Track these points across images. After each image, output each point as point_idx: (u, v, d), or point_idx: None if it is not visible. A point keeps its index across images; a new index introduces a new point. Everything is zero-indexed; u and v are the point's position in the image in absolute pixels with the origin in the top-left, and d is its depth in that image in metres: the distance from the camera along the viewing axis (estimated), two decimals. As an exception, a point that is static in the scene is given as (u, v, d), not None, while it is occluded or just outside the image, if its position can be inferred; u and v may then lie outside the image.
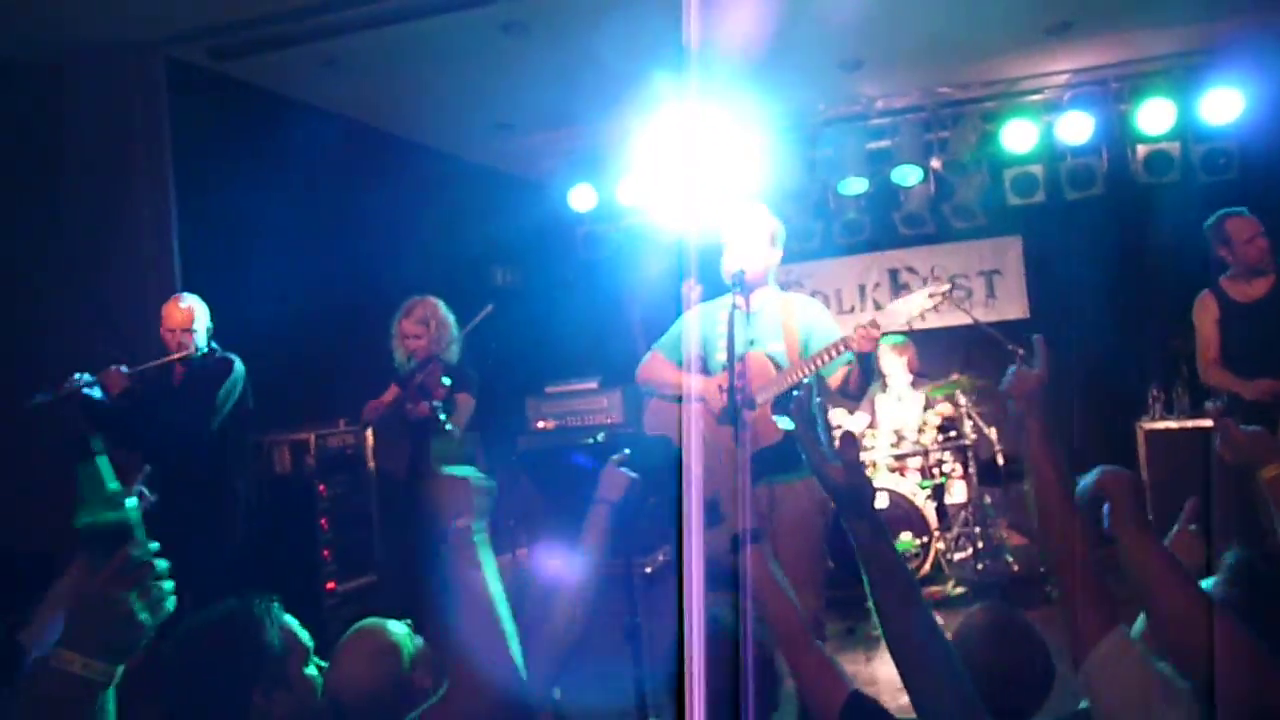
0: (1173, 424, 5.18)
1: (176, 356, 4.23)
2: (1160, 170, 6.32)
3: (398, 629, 2.25)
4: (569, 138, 7.06)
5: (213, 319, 4.48)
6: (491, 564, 2.00)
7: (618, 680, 3.02)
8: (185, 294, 4.36)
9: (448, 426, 4.25)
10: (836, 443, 1.68)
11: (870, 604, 1.70)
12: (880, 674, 4.47)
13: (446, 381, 4.33)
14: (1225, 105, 6.01)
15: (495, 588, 1.95)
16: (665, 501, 2.95)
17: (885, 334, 3.30)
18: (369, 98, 5.90)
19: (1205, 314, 4.36)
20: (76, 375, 4.00)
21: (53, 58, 5.06)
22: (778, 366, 3.44)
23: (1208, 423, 5.04)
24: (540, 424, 6.73)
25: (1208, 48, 6.10)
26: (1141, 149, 6.34)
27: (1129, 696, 1.64)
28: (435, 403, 4.22)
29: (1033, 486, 1.82)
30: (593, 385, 6.77)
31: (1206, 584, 1.80)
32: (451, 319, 4.60)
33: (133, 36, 4.92)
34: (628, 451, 2.37)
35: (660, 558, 6.51)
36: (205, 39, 5.12)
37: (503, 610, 1.94)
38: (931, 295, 3.32)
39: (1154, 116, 6.16)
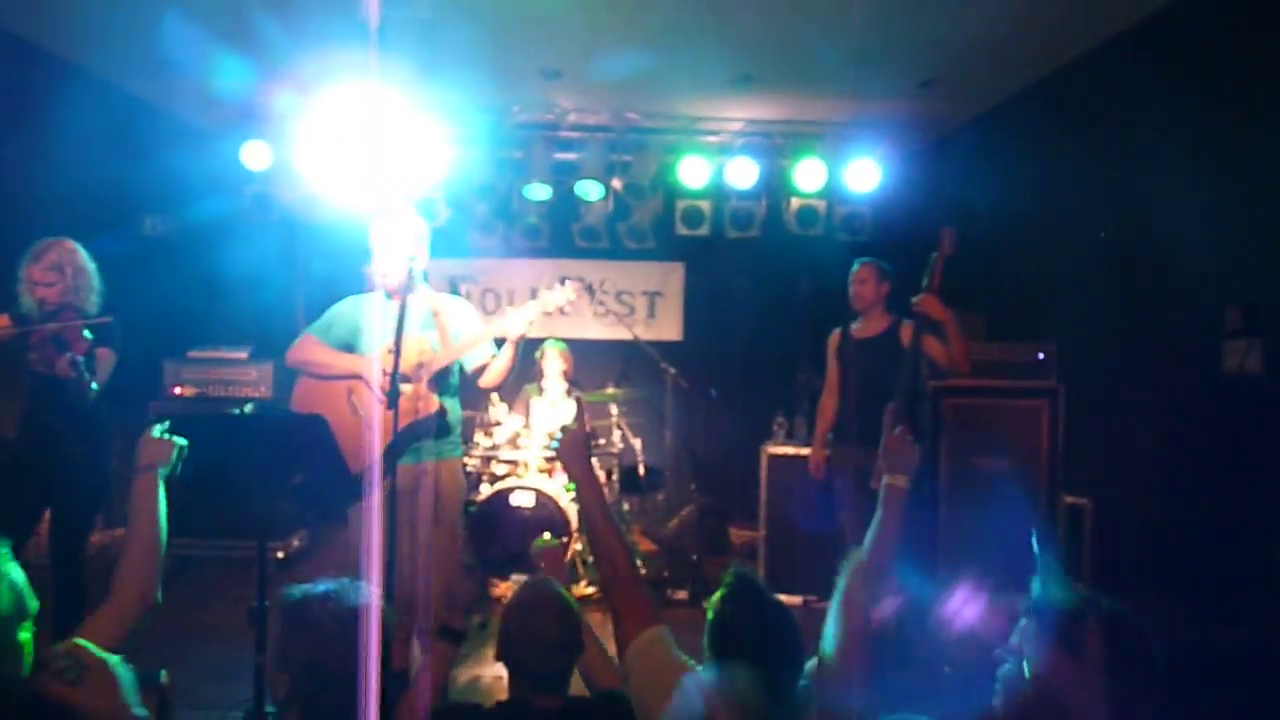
0: (790, 449, 5.76)
1: None
2: (808, 223, 7.03)
3: None
4: (246, 89, 6.61)
5: None
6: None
7: (236, 665, 2.87)
8: None
9: (93, 386, 3.85)
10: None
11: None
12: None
13: (88, 335, 3.91)
14: (865, 175, 6.81)
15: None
16: (311, 481, 2.87)
17: (534, 327, 3.73)
18: (20, 4, 5.19)
19: (831, 347, 4.98)
20: None
21: None
22: (434, 351, 3.70)
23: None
24: (178, 389, 6.23)
25: (858, 121, 6.88)
26: (795, 201, 7.02)
27: (653, 676, 2.15)
28: (78, 357, 3.80)
29: (584, 519, 2.41)
30: (242, 355, 6.38)
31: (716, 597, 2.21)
32: (92, 266, 4.15)
33: None
34: (168, 423, 2.47)
35: (296, 542, 6.26)
36: None
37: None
38: (579, 287, 3.74)
39: (808, 174, 6.84)
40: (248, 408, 5.04)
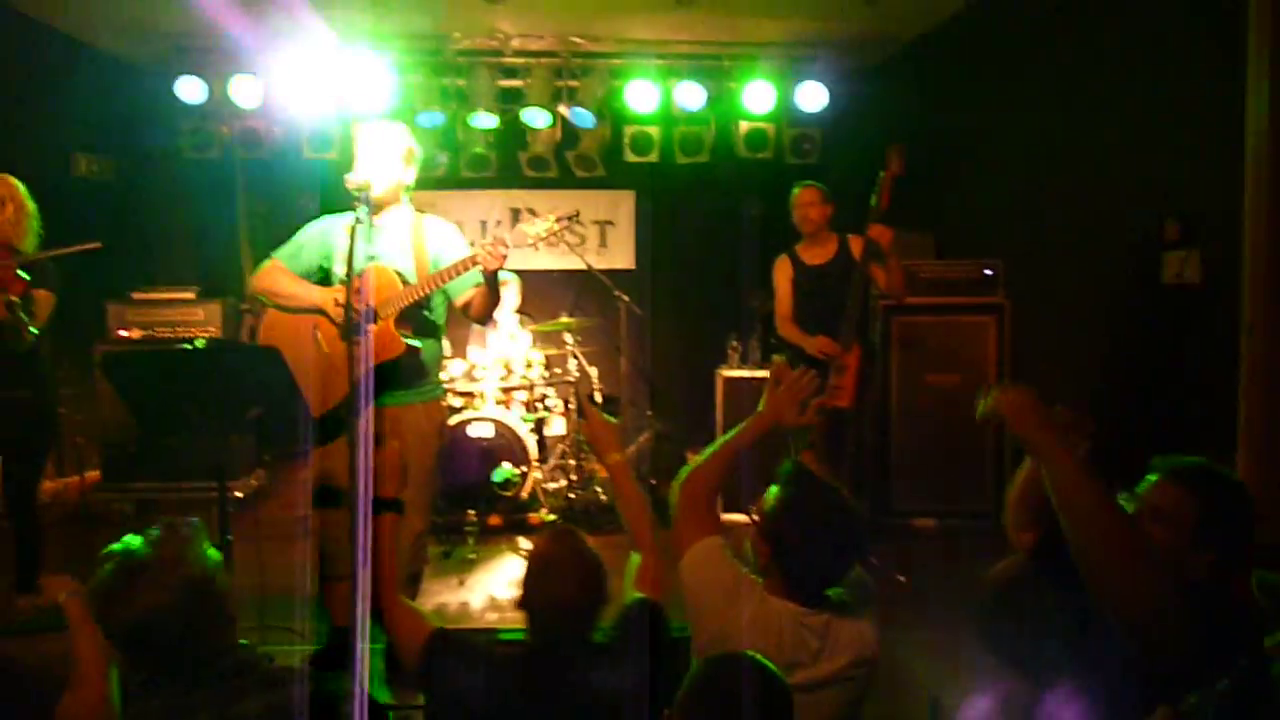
0: (745, 373, 5.84)
1: None
2: (757, 146, 7.01)
3: None
4: (176, 21, 6.38)
5: None
6: None
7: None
8: None
9: (32, 329, 3.77)
10: None
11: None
12: (472, 599, 4.66)
13: (24, 275, 3.82)
14: (813, 96, 6.78)
15: None
16: (270, 418, 2.85)
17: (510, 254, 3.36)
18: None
19: (781, 275, 4.96)
20: None
21: None
22: (405, 282, 3.39)
23: (774, 374, 5.74)
24: (123, 332, 6.11)
25: (804, 41, 6.83)
26: (744, 125, 6.98)
27: (710, 580, 2.17)
28: (13, 299, 3.72)
29: (732, 439, 2.41)
30: (189, 295, 6.26)
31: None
32: (32, 206, 4.05)
33: None
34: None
35: (254, 482, 6.24)
36: None
37: None
38: (558, 220, 3.43)
39: (757, 97, 6.79)
40: (198, 343, 4.97)
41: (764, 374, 5.74)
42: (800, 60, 6.88)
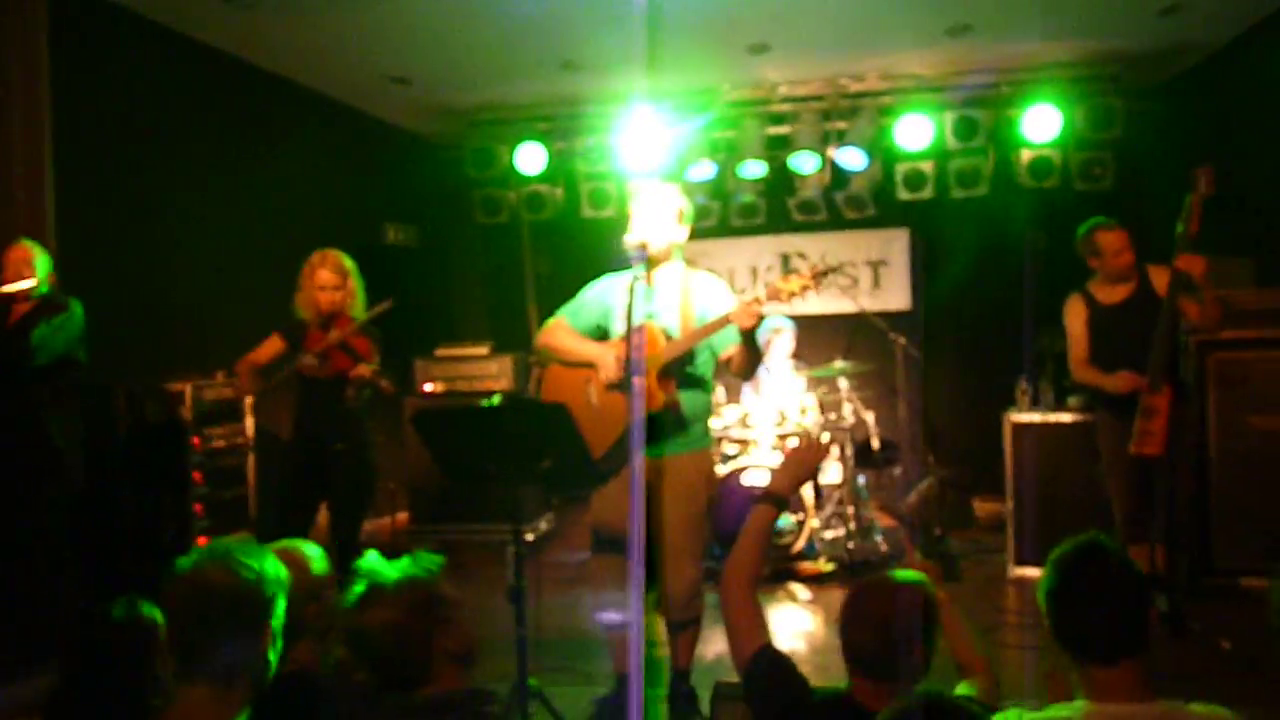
0: (1036, 417, 5.45)
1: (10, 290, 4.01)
2: (1041, 175, 6.61)
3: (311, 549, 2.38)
4: (469, 97, 6.96)
5: (86, 260, 4.28)
6: None
7: (496, 640, 3.04)
8: (24, 239, 4.12)
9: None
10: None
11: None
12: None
13: (372, 339, 4.33)
14: (1104, 118, 6.32)
15: None
16: (557, 466, 2.99)
17: (768, 313, 3.33)
18: (264, 39, 5.68)
19: (1074, 315, 4.59)
20: None
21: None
22: (668, 338, 3.45)
23: (1068, 417, 5.34)
24: (429, 386, 6.65)
25: (1092, 61, 6.41)
26: (1026, 153, 6.62)
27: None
28: (374, 364, 4.22)
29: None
30: (484, 350, 6.73)
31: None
32: (359, 277, 4.51)
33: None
34: None
35: (543, 525, 6.55)
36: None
37: None
38: (813, 277, 3.33)
39: (1039, 123, 6.43)
40: (495, 399, 5.29)
41: (1057, 418, 5.37)
42: (1086, 80, 6.46)
